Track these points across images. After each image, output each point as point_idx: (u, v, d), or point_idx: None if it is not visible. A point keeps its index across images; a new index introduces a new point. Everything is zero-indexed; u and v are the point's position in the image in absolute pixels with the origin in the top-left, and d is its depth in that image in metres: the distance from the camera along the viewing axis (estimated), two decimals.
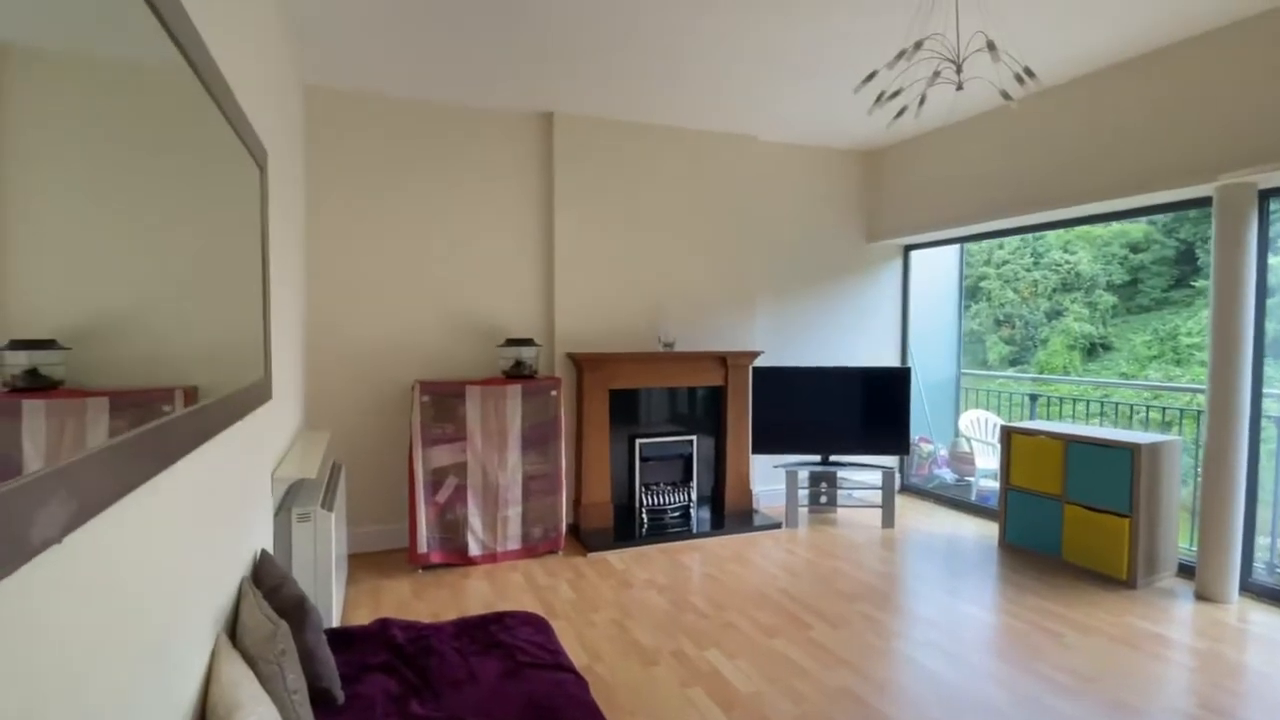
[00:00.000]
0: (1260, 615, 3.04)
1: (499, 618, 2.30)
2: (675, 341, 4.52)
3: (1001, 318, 14.01)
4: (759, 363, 4.71)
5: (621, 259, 4.48)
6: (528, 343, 4.00)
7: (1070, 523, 3.58)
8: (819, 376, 4.66)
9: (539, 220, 4.32)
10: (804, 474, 4.75)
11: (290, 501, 2.49)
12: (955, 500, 4.93)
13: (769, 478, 4.94)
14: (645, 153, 4.50)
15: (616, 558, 3.88)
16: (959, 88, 2.19)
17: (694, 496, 4.55)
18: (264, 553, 1.99)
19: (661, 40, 3.20)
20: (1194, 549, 3.35)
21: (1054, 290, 13.90)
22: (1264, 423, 3.27)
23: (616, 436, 4.40)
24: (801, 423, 4.64)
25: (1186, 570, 3.43)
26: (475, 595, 3.32)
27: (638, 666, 2.61)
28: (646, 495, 4.45)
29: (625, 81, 3.74)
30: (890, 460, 4.98)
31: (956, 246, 5.40)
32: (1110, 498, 3.40)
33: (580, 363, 4.22)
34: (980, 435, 5.03)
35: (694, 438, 4.57)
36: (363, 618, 2.90)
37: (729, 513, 4.58)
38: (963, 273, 5.48)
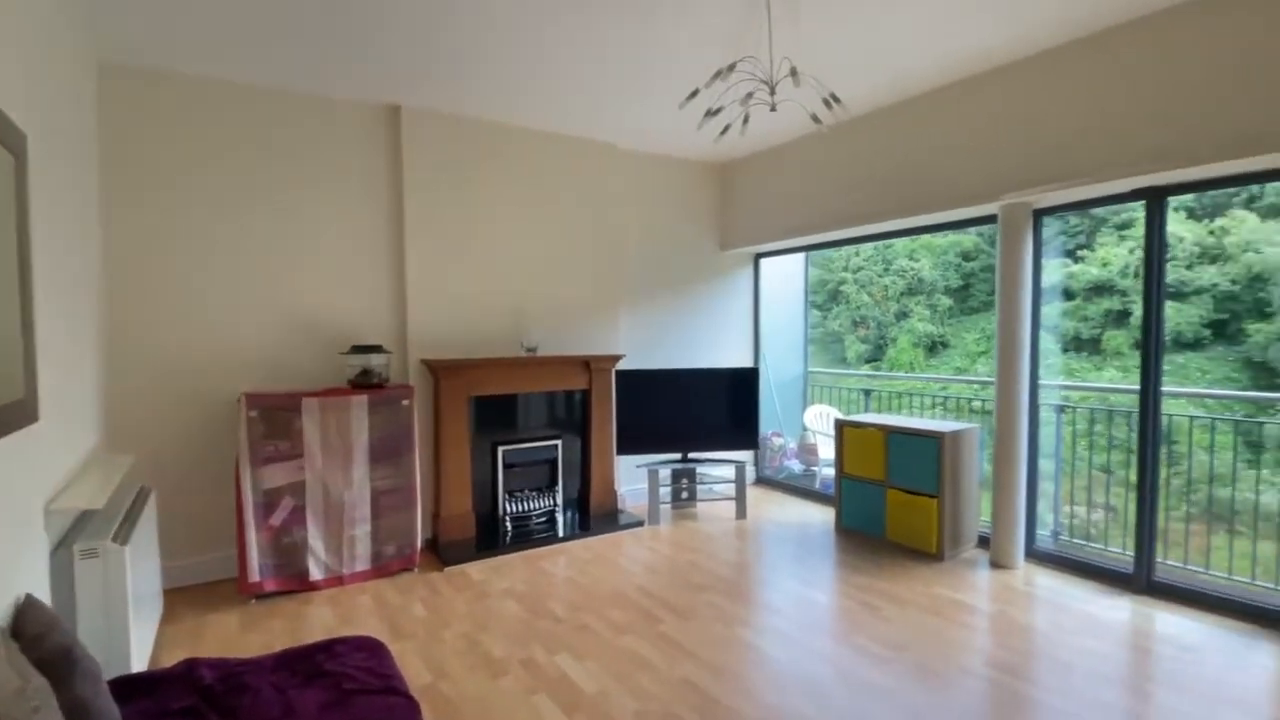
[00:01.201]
0: (1043, 578, 3.53)
1: (328, 646, 2.17)
2: (538, 346, 4.50)
3: (858, 319, 15.18)
4: (622, 366, 4.80)
5: (481, 262, 4.39)
6: (376, 349, 3.80)
7: (892, 505, 3.97)
8: (678, 378, 4.83)
9: (388, 219, 4.13)
10: (666, 472, 4.90)
11: (74, 537, 2.20)
12: (803, 489, 5.30)
13: (634, 478, 5.04)
14: (505, 154, 4.44)
15: (476, 569, 3.79)
16: (772, 109, 2.36)
17: (559, 501, 4.55)
18: (29, 598, 1.75)
19: (511, 39, 3.17)
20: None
21: (901, 294, 15.23)
22: (1043, 410, 3.80)
23: (478, 444, 4.30)
24: (663, 423, 4.78)
25: (986, 542, 3.91)
26: (316, 623, 3.11)
27: (485, 679, 2.57)
28: (511, 502, 4.39)
29: (478, 79, 3.67)
30: (744, 455, 5.26)
31: (802, 255, 5.80)
32: (922, 481, 3.82)
33: (436, 370, 4.09)
34: (822, 428, 5.44)
35: (558, 442, 4.57)
36: (179, 659, 2.62)
37: (594, 514, 4.63)
38: (808, 279, 5.90)
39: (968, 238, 15.52)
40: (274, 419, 3.39)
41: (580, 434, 4.72)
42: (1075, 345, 12.89)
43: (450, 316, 4.28)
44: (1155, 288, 3.20)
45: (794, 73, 2.19)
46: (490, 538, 4.20)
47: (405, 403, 3.77)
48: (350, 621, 3.10)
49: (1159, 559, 3.32)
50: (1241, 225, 8.75)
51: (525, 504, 4.43)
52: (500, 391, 4.35)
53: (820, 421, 5.50)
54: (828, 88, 2.59)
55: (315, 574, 3.47)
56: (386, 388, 3.75)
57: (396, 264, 4.15)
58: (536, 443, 4.52)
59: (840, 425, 4.29)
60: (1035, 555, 3.73)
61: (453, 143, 4.25)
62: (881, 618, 3.07)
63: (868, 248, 14.40)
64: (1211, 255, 9.00)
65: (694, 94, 2.45)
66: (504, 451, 4.37)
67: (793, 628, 2.99)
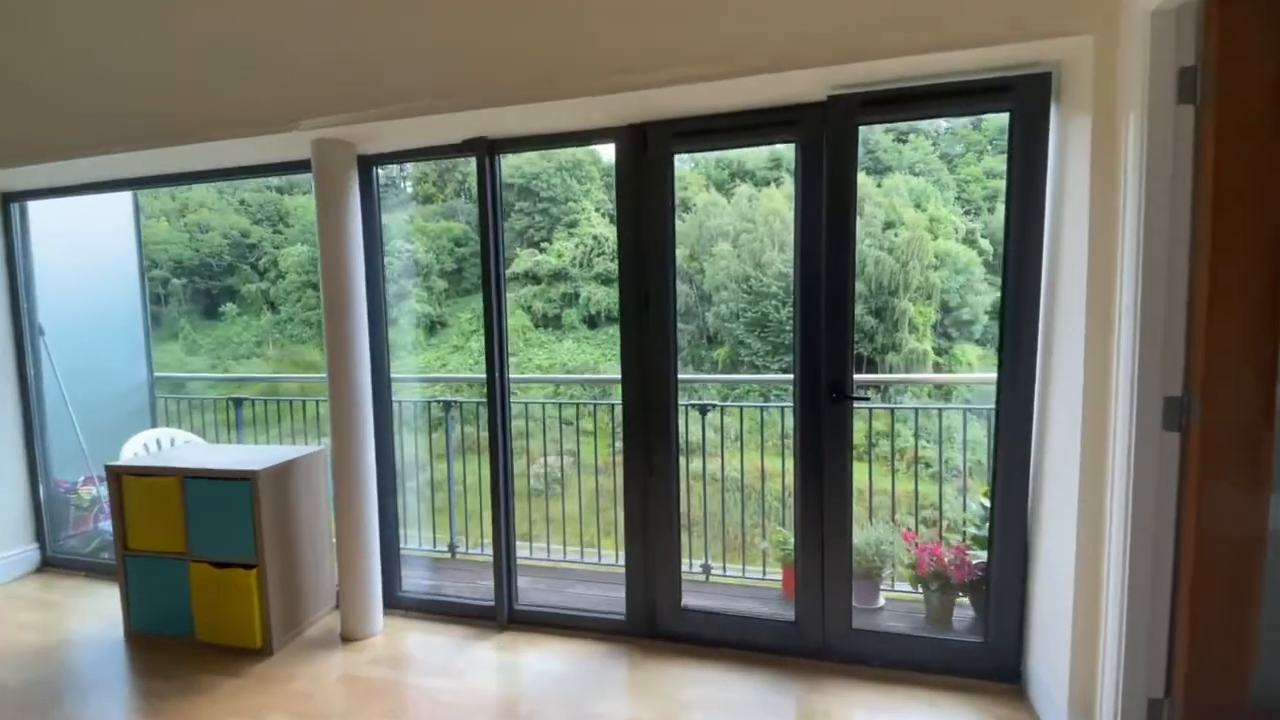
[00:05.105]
0: (409, 638, 2.67)
1: None
2: None
3: None
4: None
5: None
6: None
7: (198, 588, 2.59)
8: None
9: None
10: None
11: None
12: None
13: None
14: None
15: None
16: None
17: None
18: None
19: None
20: None
21: (399, 275, 14.94)
22: (409, 409, 3.00)
23: None
24: None
25: None
26: None
27: None
28: None
29: None
30: None
31: (125, 203, 3.86)
32: (236, 545, 2.54)
33: None
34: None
35: None
36: None
37: None
38: (141, 239, 3.97)
39: (457, 225, 16.29)
40: None
41: None
42: (543, 323, 14.40)
43: None
44: (492, 237, 2.64)
45: None
46: None
47: None
48: None
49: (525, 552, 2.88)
50: None
51: None
52: None
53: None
54: None
55: None
56: None
57: None
58: None
59: (116, 475, 2.66)
60: (400, 605, 2.88)
61: None
62: None
63: None
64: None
65: None
66: None
67: None
